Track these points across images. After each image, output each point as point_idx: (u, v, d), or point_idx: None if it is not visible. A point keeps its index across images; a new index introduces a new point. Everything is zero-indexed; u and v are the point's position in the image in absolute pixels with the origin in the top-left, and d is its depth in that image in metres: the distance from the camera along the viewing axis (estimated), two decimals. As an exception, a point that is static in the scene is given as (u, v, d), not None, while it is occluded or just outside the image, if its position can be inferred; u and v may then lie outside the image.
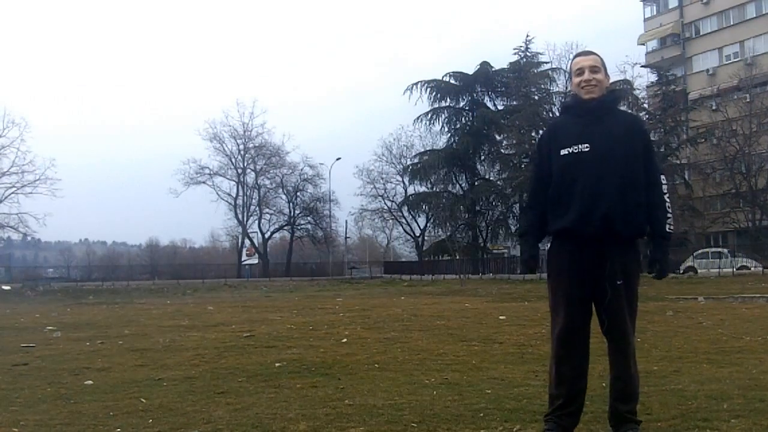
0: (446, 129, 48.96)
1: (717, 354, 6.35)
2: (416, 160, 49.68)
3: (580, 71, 3.35)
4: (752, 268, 29.38)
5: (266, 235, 55.59)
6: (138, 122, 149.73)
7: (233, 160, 53.21)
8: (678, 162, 41.01)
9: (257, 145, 53.15)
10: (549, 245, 3.43)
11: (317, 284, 38.06)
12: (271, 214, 55.25)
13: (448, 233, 45.87)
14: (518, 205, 42.50)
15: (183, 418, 4.10)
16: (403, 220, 53.64)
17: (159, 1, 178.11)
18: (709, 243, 39.99)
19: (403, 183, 52.24)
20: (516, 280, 31.10)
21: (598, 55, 3.45)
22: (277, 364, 6.33)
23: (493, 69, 47.48)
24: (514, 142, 41.04)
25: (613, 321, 3.23)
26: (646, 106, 41.08)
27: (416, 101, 50.39)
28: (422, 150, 49.88)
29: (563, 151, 3.28)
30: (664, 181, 3.34)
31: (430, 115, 48.45)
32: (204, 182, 52.61)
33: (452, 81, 48.16)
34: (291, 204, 55.09)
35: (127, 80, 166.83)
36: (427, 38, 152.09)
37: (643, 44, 49.81)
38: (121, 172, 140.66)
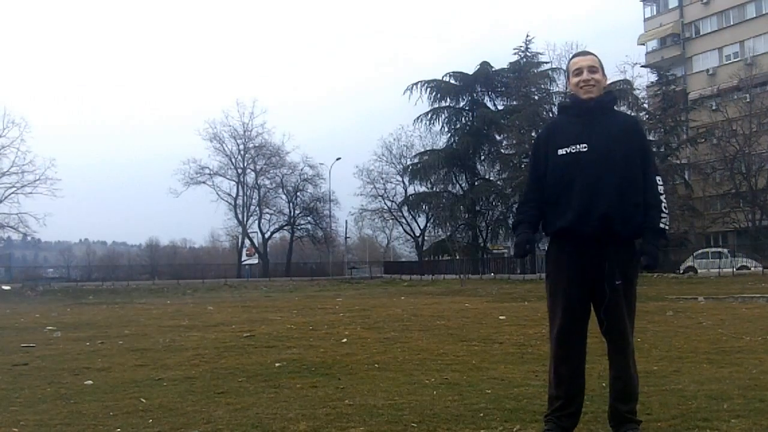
0: (446, 129, 49.03)
1: (717, 354, 6.35)
2: (416, 160, 49.70)
3: (579, 71, 3.35)
4: (752, 268, 29.37)
5: (266, 235, 55.62)
6: (138, 122, 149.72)
7: (233, 160, 53.25)
8: (678, 162, 41.03)
9: (257, 145, 53.18)
10: (547, 246, 3.42)
11: (317, 284, 38.06)
12: (271, 214, 55.30)
13: (448, 233, 45.90)
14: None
15: (183, 418, 4.10)
16: (403, 220, 53.69)
17: (159, 1, 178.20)
18: (709, 243, 40.00)
19: (403, 183, 52.33)
20: (516, 280, 31.09)
21: (596, 56, 3.45)
22: (277, 364, 6.33)
23: (493, 69, 47.49)
24: (514, 142, 41.05)
25: (612, 321, 3.23)
26: (646, 106, 41.11)
27: (416, 101, 50.48)
28: (422, 150, 49.93)
29: (561, 151, 3.28)
30: (660, 182, 3.34)
31: (430, 115, 48.47)
32: (204, 182, 52.63)
33: (452, 81, 48.17)
34: (291, 204, 55.12)
35: (127, 80, 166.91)
36: (427, 38, 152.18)
37: (643, 44, 49.82)
38: (121, 172, 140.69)
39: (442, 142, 49.22)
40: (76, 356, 7.44)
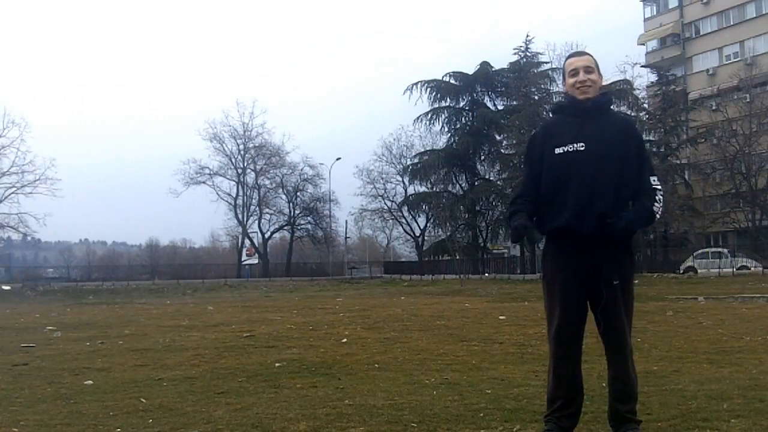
0: (446, 129, 49.07)
1: (717, 354, 6.35)
2: (416, 160, 49.71)
3: (575, 72, 3.35)
4: (752, 268, 29.38)
5: (266, 235, 55.62)
6: (138, 122, 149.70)
7: (233, 160, 53.25)
8: (678, 162, 41.04)
9: (257, 145, 53.18)
10: (543, 246, 3.41)
11: (317, 284, 38.07)
12: (271, 214, 55.30)
13: (448, 233, 45.88)
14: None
15: (183, 418, 4.10)
16: (403, 220, 53.71)
17: (159, 1, 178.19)
18: (709, 243, 40.01)
19: (403, 183, 52.34)
20: (516, 280, 31.09)
21: (592, 56, 3.45)
22: (277, 364, 6.33)
23: (493, 69, 47.50)
24: (514, 142, 41.03)
25: (610, 322, 3.22)
26: (646, 106, 41.12)
27: (416, 101, 50.51)
28: (422, 150, 49.96)
29: (558, 150, 3.27)
30: (656, 183, 3.31)
31: (430, 115, 48.50)
32: (204, 182, 52.63)
33: (452, 81, 48.20)
34: (291, 204, 55.12)
35: (127, 80, 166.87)
36: (427, 38, 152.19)
37: (643, 44, 49.83)
38: (121, 172, 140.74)
39: (442, 142, 49.34)
40: (76, 356, 7.44)
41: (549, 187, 3.28)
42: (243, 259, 56.05)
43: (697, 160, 41.00)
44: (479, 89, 48.59)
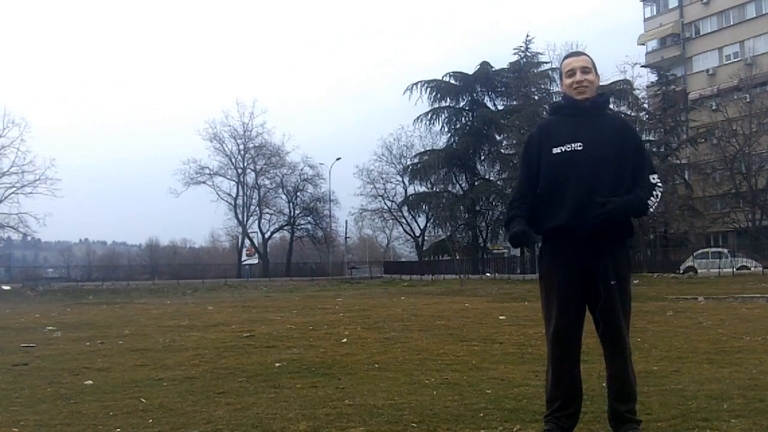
0: (446, 129, 49.10)
1: (717, 354, 6.35)
2: (416, 160, 49.73)
3: (572, 72, 3.35)
4: (752, 268, 29.36)
5: (266, 235, 55.65)
6: (138, 122, 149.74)
7: (233, 160, 53.28)
8: (678, 162, 41.04)
9: (257, 145, 53.21)
10: (540, 246, 3.40)
11: (317, 284, 38.07)
12: (271, 214, 55.34)
13: (448, 233, 45.89)
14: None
15: (183, 418, 4.10)
16: (403, 220, 53.72)
17: (159, 1, 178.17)
18: (709, 243, 40.00)
19: (403, 183, 52.36)
20: (516, 280, 31.09)
21: (589, 56, 3.45)
22: (277, 364, 6.33)
23: (493, 69, 47.52)
24: (514, 142, 41.02)
25: (608, 322, 3.22)
26: (646, 106, 41.12)
27: (416, 101, 50.53)
28: (422, 150, 50.00)
29: (556, 150, 3.27)
30: (656, 179, 3.30)
31: (430, 115, 48.52)
32: (204, 182, 52.67)
33: (452, 81, 48.22)
34: (291, 204, 55.15)
35: (127, 80, 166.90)
36: (427, 38, 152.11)
37: (643, 44, 49.82)
38: (121, 172, 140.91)
39: (442, 142, 49.37)
40: (76, 356, 7.44)
41: (546, 187, 3.28)
42: (243, 259, 56.06)
43: (697, 160, 41.00)
44: (479, 89, 48.62)
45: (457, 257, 41.50)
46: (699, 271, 30.99)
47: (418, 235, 53.50)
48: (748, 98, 38.33)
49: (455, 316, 11.90)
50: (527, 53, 45.55)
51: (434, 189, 47.75)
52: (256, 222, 54.80)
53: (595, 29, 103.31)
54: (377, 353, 7.02)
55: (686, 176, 41.84)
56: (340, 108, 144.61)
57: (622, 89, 38.61)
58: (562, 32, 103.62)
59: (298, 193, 54.77)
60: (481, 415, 3.93)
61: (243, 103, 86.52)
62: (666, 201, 34.21)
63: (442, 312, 13.24)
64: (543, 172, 3.30)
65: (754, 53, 41.99)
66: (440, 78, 48.33)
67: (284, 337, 8.93)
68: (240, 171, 53.41)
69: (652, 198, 3.25)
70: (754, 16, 43.06)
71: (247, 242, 55.77)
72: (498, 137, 46.16)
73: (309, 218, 55.94)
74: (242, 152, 53.13)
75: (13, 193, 44.16)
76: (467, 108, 48.85)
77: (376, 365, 6.19)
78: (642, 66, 43.92)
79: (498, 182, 45.88)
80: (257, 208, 54.29)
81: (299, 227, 56.02)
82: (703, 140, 39.77)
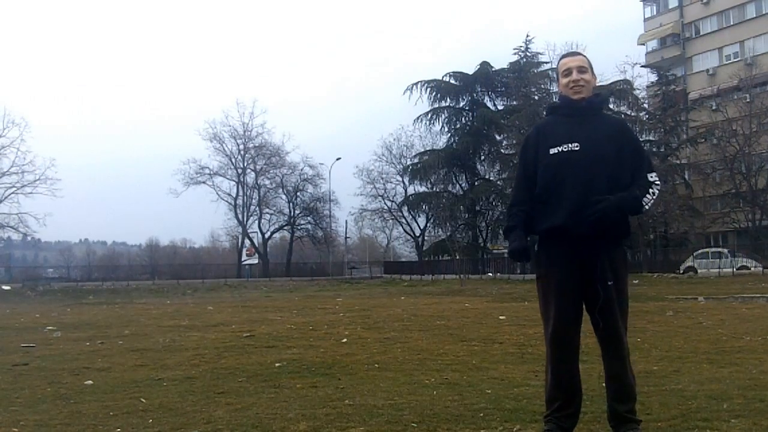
0: (446, 129, 49.12)
1: (717, 354, 6.35)
2: (416, 160, 49.74)
3: (568, 72, 3.35)
4: (752, 268, 29.36)
5: (266, 235, 55.65)
6: (138, 122, 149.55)
7: (233, 160, 53.29)
8: (678, 162, 41.05)
9: (257, 145, 53.22)
10: (537, 246, 3.40)
11: (317, 284, 38.08)
12: (271, 214, 55.34)
13: (448, 233, 45.89)
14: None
15: (183, 418, 4.10)
16: (403, 220, 53.71)
17: (159, 1, 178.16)
18: (709, 243, 39.99)
19: (403, 183, 52.37)
20: (516, 280, 31.11)
21: (585, 56, 3.46)
22: (277, 364, 6.33)
23: (493, 69, 47.55)
24: (514, 142, 41.03)
25: (606, 322, 3.21)
26: (646, 106, 41.14)
27: (416, 101, 50.58)
28: (422, 150, 50.01)
29: (552, 150, 3.27)
30: (654, 178, 3.30)
31: (430, 115, 48.54)
32: (204, 182, 52.68)
33: (452, 81, 48.23)
34: (291, 204, 55.16)
35: (127, 80, 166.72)
36: (426, 38, 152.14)
37: (643, 44, 49.83)
38: (121, 172, 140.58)
39: (442, 142, 49.39)
40: (76, 356, 7.45)
41: (544, 187, 3.28)
42: (243, 259, 56.08)
43: (697, 160, 41.00)
44: (479, 89, 48.64)
45: (457, 257, 41.49)
46: (699, 271, 30.99)
47: (418, 235, 53.53)
48: (748, 98, 38.33)
49: (455, 316, 11.90)
50: (527, 53, 45.60)
51: (434, 189, 47.76)
52: (256, 222, 54.89)
53: (595, 29, 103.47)
54: (377, 353, 7.02)
55: (686, 176, 41.84)
56: (340, 108, 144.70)
57: (622, 89, 38.62)
58: (562, 32, 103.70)
59: (298, 193, 54.83)
60: (481, 415, 3.93)
61: (243, 103, 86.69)
62: (666, 201, 34.21)
63: (442, 312, 13.24)
64: (540, 173, 3.30)
65: (754, 53, 41.99)
66: (440, 78, 48.37)
67: (284, 337, 8.93)
68: (240, 171, 53.49)
69: (648, 195, 3.25)
70: (754, 16, 43.06)
71: (247, 242, 55.84)
72: (498, 137, 46.18)
73: (309, 218, 55.97)
74: (242, 152, 53.21)
75: (13, 193, 44.23)
76: (467, 108, 48.86)
77: (376, 365, 6.19)
78: (642, 66, 44.02)
79: (498, 182, 45.89)
80: (257, 208, 54.33)
81: (299, 227, 56.05)
82: (703, 140, 39.78)
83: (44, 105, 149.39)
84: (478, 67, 47.62)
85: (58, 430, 3.92)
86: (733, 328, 8.57)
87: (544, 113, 3.65)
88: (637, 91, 40.88)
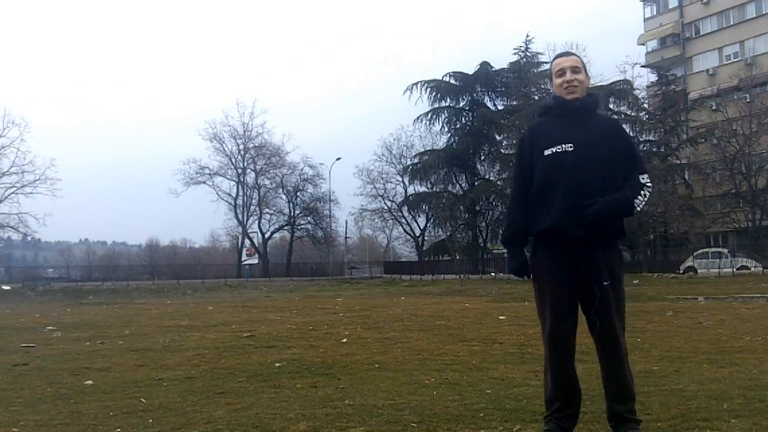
0: (446, 129, 49.14)
1: (717, 354, 6.35)
2: (416, 160, 49.75)
3: (562, 72, 3.35)
4: (752, 268, 29.37)
5: (266, 235, 55.67)
6: (138, 122, 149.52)
7: (233, 160, 53.32)
8: (678, 162, 41.06)
9: (257, 145, 53.25)
10: (532, 247, 3.40)
11: (317, 284, 38.09)
12: (271, 214, 55.37)
13: (448, 233, 45.89)
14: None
15: (183, 418, 4.10)
16: (403, 220, 53.72)
17: (159, 1, 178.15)
18: (709, 243, 40.00)
19: (403, 183, 52.37)
20: (516, 280, 31.05)
21: (578, 56, 3.47)
22: (277, 364, 6.33)
23: (493, 69, 47.57)
24: (514, 142, 41.01)
25: (602, 322, 3.21)
26: (646, 106, 41.15)
27: (416, 101, 50.58)
28: (422, 150, 50.03)
29: (547, 152, 3.27)
30: (645, 179, 3.30)
31: (430, 115, 48.54)
32: (204, 182, 52.72)
33: (452, 81, 48.24)
34: (291, 204, 55.19)
35: (127, 80, 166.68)
36: (426, 38, 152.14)
37: (643, 44, 49.83)
38: (121, 172, 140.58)
39: (442, 142, 49.41)
40: (76, 356, 7.45)
41: (538, 189, 3.28)
42: (243, 259, 56.08)
43: (697, 160, 41.00)
44: (479, 89, 48.65)
45: (457, 257, 41.51)
46: (699, 271, 31.00)
47: (418, 235, 53.54)
48: (748, 98, 38.34)
49: (455, 316, 11.90)
50: (527, 53, 45.61)
51: (434, 189, 47.78)
52: (256, 222, 54.92)
53: (595, 29, 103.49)
54: (377, 353, 7.02)
55: (686, 176, 41.85)
56: (340, 108, 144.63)
57: (622, 89, 38.63)
58: (562, 32, 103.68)
59: (298, 193, 54.86)
60: (481, 415, 3.93)
61: (243, 103, 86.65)
62: (666, 201, 34.22)
63: (442, 312, 13.24)
64: (536, 174, 3.30)
65: (754, 53, 41.99)
66: (440, 78, 48.39)
67: (284, 337, 8.93)
68: (240, 171, 53.51)
69: (639, 197, 3.25)
70: (754, 16, 43.07)
71: (247, 242, 55.84)
72: (498, 137, 46.19)
73: (309, 218, 56.00)
74: (242, 152, 53.23)
75: (13, 193, 44.25)
76: (467, 108, 48.87)
77: (376, 365, 6.19)
78: (642, 66, 44.04)
79: (498, 182, 45.91)
80: (257, 208, 54.35)
81: (299, 227, 56.06)
82: (703, 140, 39.79)
83: (44, 105, 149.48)
84: (478, 67, 47.64)
85: (58, 430, 3.92)
86: (733, 328, 8.57)
87: (538, 114, 3.64)
88: (637, 91, 40.97)
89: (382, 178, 52.73)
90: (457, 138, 48.01)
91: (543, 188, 3.26)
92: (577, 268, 3.20)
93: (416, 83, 48.02)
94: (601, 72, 51.69)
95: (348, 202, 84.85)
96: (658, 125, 39.19)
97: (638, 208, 3.28)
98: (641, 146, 38.85)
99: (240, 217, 54.04)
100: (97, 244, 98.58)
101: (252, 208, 54.45)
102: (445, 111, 48.56)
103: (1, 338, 9.92)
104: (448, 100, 48.41)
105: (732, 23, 44.17)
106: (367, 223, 56.30)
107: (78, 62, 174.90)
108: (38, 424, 4.06)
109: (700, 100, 42.83)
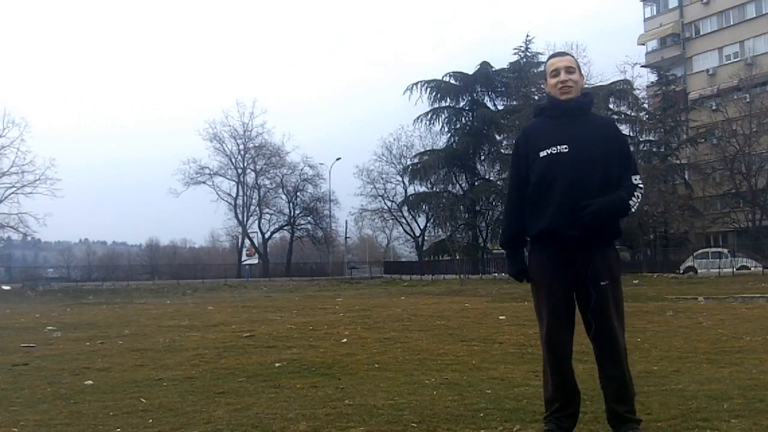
0: (446, 129, 49.12)
1: (717, 354, 6.35)
2: (416, 160, 49.74)
3: (556, 72, 3.34)
4: (752, 268, 29.37)
5: (266, 235, 55.66)
6: (138, 122, 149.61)
7: (233, 160, 53.31)
8: (678, 162, 41.06)
9: (257, 145, 53.25)
10: (529, 248, 3.41)
11: (317, 284, 38.08)
12: (271, 214, 55.38)
13: (448, 233, 45.87)
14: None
15: (183, 418, 4.10)
16: (403, 220, 53.72)
17: (159, 1, 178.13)
18: (709, 243, 40.00)
19: (403, 183, 52.38)
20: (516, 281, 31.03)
21: (573, 56, 3.47)
22: (277, 364, 6.33)
23: (493, 69, 47.56)
24: (514, 142, 41.06)
25: (600, 323, 3.20)
26: (646, 106, 41.15)
27: (416, 101, 50.58)
28: (422, 150, 50.01)
29: (542, 153, 3.27)
30: (638, 181, 3.30)
31: (430, 115, 48.54)
32: (204, 182, 52.71)
33: (452, 81, 48.23)
34: (291, 204, 55.18)
35: (127, 80, 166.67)
36: (427, 38, 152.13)
37: (643, 44, 49.83)
38: (121, 172, 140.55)
39: (442, 142, 49.40)
40: (76, 356, 7.45)
41: (535, 190, 3.28)
42: (243, 259, 56.08)
43: (697, 160, 41.01)
44: (479, 89, 48.64)
45: (457, 257, 41.52)
46: (699, 271, 31.00)
47: (418, 235, 53.54)
48: (748, 98, 38.34)
49: (455, 316, 11.90)
50: (527, 53, 45.63)
51: (434, 189, 47.79)
52: (256, 222, 54.92)
53: (595, 29, 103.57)
54: (377, 353, 7.02)
55: (686, 176, 41.85)
56: (340, 108, 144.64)
57: (622, 89, 38.62)
58: (562, 32, 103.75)
59: (298, 193, 54.85)
60: (481, 415, 3.93)
61: (243, 103, 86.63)
62: (666, 201, 34.21)
63: (442, 312, 13.24)
64: (532, 176, 3.30)
65: (754, 53, 41.99)
66: (440, 78, 48.37)
67: (284, 337, 8.93)
68: (240, 171, 53.51)
69: (633, 198, 3.26)
70: (754, 16, 43.06)
71: (247, 242, 55.84)
72: (498, 137, 46.18)
73: (309, 218, 55.99)
74: (242, 152, 53.23)
75: (13, 193, 44.20)
76: (467, 108, 48.87)
77: (376, 365, 6.19)
78: (642, 66, 44.04)
79: (498, 182, 45.84)
80: (257, 208, 54.35)
81: (299, 227, 56.06)
82: (703, 140, 39.79)
83: (44, 105, 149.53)
84: (478, 67, 47.63)
85: (58, 430, 3.92)
86: (733, 328, 8.57)
87: (532, 115, 3.64)
88: (637, 91, 40.95)
89: (382, 178, 52.82)
90: (457, 138, 48.01)
91: (539, 190, 3.26)
92: (574, 269, 3.19)
93: (416, 83, 48.09)
94: (601, 72, 51.97)
95: (348, 202, 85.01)
96: (658, 125, 39.19)
97: (632, 209, 3.29)
98: (641, 146, 38.87)
99: (240, 217, 54.10)
100: (97, 244, 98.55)
101: (252, 208, 54.52)
102: (445, 111, 48.55)
103: (1, 338, 9.93)
104: (448, 100, 48.41)
105: (732, 23, 44.16)
106: (367, 223, 56.38)
107: (78, 62, 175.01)
108: (38, 424, 4.06)
109: (700, 100, 42.83)
